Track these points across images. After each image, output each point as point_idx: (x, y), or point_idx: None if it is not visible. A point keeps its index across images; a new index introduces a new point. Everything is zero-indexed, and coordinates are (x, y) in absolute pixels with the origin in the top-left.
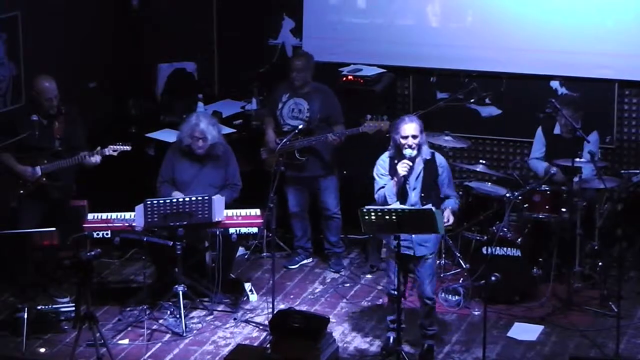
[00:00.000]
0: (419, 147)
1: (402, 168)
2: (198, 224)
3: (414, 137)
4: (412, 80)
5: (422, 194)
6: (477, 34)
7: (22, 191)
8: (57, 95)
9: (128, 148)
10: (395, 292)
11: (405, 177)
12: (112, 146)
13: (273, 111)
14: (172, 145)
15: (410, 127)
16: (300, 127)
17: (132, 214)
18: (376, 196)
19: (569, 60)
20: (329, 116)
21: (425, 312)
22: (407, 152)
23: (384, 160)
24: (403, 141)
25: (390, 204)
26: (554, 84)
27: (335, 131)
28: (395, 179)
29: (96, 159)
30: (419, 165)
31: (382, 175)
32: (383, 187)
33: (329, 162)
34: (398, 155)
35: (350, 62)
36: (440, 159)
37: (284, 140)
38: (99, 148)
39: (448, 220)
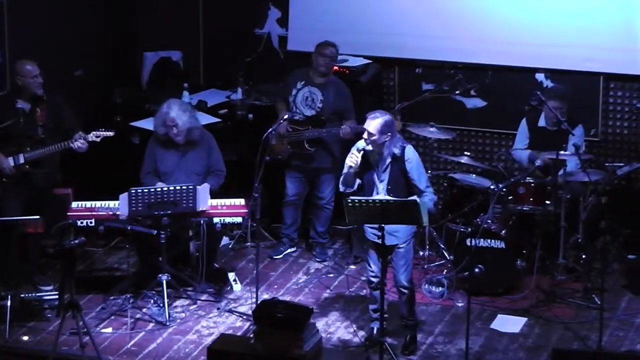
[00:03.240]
0: (382, 145)
1: (348, 159)
2: (182, 213)
3: (370, 134)
4: (397, 71)
5: (389, 187)
6: (462, 26)
7: (4, 179)
8: (41, 73)
9: (111, 134)
10: (374, 280)
11: (353, 169)
12: (95, 132)
13: (285, 97)
14: (152, 136)
15: (369, 124)
16: (286, 116)
17: (117, 202)
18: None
19: (554, 52)
20: (341, 110)
21: (403, 301)
22: (360, 143)
23: (357, 148)
24: (363, 132)
25: (341, 192)
26: (540, 76)
27: (349, 125)
28: (346, 169)
29: (81, 143)
30: (387, 159)
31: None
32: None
33: (337, 157)
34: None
35: None
36: (409, 153)
37: (270, 130)
38: (80, 133)
39: None
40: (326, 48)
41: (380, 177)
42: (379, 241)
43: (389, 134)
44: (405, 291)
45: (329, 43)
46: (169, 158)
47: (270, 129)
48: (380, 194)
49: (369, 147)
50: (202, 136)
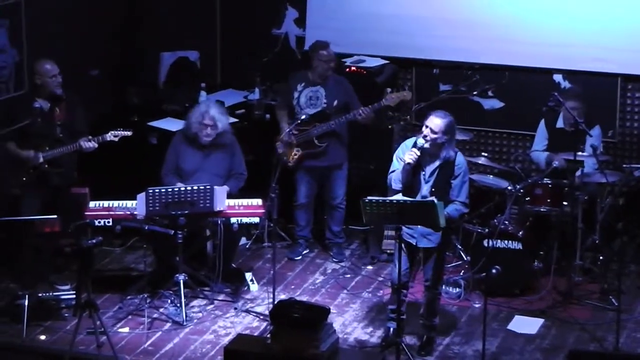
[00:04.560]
0: (438, 145)
1: (408, 155)
2: (199, 213)
3: (432, 131)
4: (415, 71)
5: (433, 189)
6: (480, 27)
7: (24, 178)
8: (60, 73)
9: (129, 133)
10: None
11: (418, 169)
12: (113, 132)
13: (288, 102)
14: (177, 134)
15: (432, 120)
16: (303, 117)
17: (134, 202)
18: (388, 177)
19: (572, 53)
20: (346, 103)
21: (427, 301)
22: (420, 141)
23: (406, 145)
24: (423, 129)
25: (394, 189)
26: (557, 77)
27: (362, 108)
28: (402, 165)
29: (92, 144)
30: (437, 162)
31: (400, 158)
32: (394, 171)
33: (345, 150)
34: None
35: (353, 53)
36: (461, 160)
37: (287, 130)
38: (89, 137)
39: None
40: (322, 51)
41: (426, 179)
42: (412, 241)
43: (450, 135)
44: (430, 291)
45: (322, 45)
46: (192, 157)
47: (288, 130)
48: (424, 195)
49: (427, 146)
50: (230, 141)
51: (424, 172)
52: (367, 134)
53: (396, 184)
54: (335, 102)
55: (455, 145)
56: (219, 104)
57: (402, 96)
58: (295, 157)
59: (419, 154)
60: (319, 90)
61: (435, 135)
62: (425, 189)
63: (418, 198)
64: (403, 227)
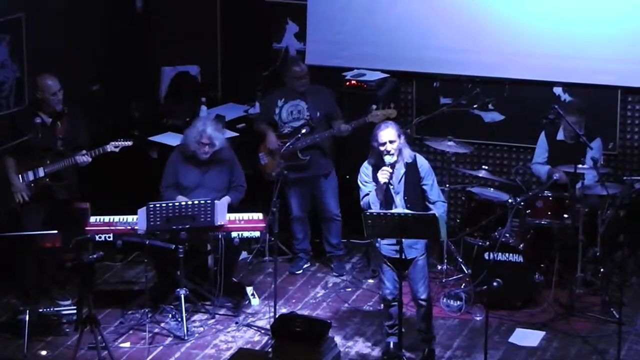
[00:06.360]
0: (399, 151)
1: (382, 176)
2: (200, 227)
3: (391, 142)
4: (415, 85)
5: (406, 197)
6: (480, 40)
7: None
8: (61, 89)
9: (129, 143)
10: (390, 297)
11: (387, 184)
12: (113, 142)
13: (269, 119)
14: (175, 150)
15: (386, 133)
16: (304, 131)
17: (135, 217)
18: (362, 203)
19: (572, 66)
20: (328, 113)
21: (422, 315)
22: (387, 158)
23: (366, 167)
24: (382, 148)
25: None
26: (557, 90)
27: (345, 126)
28: (377, 186)
29: (86, 158)
30: (401, 169)
31: (365, 182)
32: (368, 194)
33: (330, 159)
34: (379, 162)
35: (353, 66)
36: (421, 161)
37: (288, 144)
38: (85, 152)
39: None
40: (294, 67)
41: (396, 190)
42: (398, 255)
43: (403, 136)
44: (424, 304)
45: (293, 60)
46: (191, 173)
47: (289, 143)
48: (399, 207)
49: (395, 158)
50: (229, 156)
51: (392, 185)
52: (368, 149)
53: (375, 206)
54: (318, 114)
55: (456, 159)
56: (216, 119)
57: (387, 114)
58: (277, 171)
59: (391, 170)
60: (299, 104)
61: (396, 144)
62: (398, 199)
63: (394, 211)
64: (384, 244)
